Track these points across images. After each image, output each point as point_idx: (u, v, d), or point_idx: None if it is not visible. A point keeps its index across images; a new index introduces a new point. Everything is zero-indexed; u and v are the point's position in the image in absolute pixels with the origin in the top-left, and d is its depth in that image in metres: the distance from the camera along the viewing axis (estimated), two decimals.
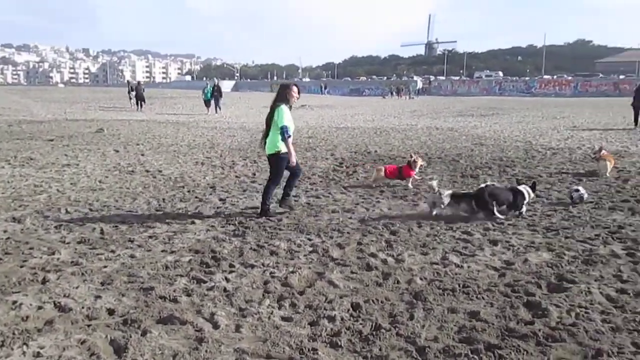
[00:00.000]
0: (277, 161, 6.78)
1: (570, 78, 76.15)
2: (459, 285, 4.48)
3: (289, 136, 6.58)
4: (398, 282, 4.60)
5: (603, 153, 9.93)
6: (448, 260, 5.18)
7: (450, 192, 6.97)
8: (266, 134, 6.83)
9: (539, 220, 6.72)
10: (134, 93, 33.25)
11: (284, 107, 6.64)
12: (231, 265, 5.04)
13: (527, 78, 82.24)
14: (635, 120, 20.75)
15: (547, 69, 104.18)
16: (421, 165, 9.25)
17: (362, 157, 12.72)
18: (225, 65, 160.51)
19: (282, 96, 6.74)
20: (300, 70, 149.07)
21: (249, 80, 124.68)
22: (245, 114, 30.20)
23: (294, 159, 6.75)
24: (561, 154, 12.84)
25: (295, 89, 6.85)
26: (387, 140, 16.28)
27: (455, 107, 37.29)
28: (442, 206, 6.78)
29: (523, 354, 3.37)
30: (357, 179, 9.82)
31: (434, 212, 6.82)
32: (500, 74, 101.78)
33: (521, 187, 6.96)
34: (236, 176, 10.14)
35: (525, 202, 6.86)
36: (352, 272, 4.86)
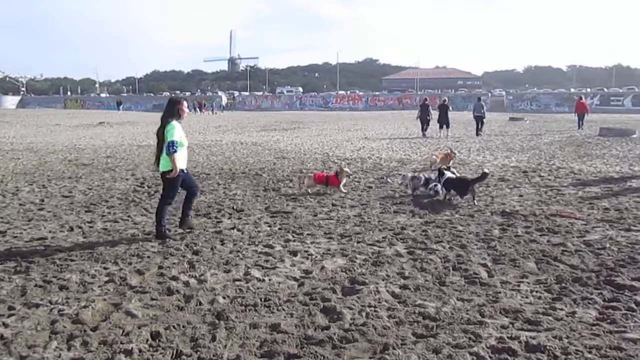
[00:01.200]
0: (171, 178, 6.58)
1: (361, 93, 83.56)
2: (261, 300, 4.57)
3: (174, 152, 6.43)
4: (200, 303, 4.53)
5: (438, 152, 13.53)
6: (250, 275, 5.25)
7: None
8: (159, 152, 6.64)
9: (335, 227, 7.19)
10: None
11: (174, 123, 6.57)
12: (10, 308, 4.46)
13: (324, 93, 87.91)
14: (422, 130, 23.52)
15: (342, 85, 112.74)
16: (347, 175, 9.95)
17: None
18: (7, 79, 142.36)
19: (173, 112, 6.64)
20: (97, 85, 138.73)
21: (35, 95, 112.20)
22: (33, 134, 27.26)
23: (175, 173, 6.51)
24: (354, 164, 13.91)
25: (185, 103, 6.85)
26: (191, 157, 15.94)
27: (259, 122, 38.23)
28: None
29: (320, 359, 3.55)
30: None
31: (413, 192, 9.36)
32: (300, 89, 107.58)
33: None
34: (20, 204, 9.06)
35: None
36: (152, 299, 4.65)
